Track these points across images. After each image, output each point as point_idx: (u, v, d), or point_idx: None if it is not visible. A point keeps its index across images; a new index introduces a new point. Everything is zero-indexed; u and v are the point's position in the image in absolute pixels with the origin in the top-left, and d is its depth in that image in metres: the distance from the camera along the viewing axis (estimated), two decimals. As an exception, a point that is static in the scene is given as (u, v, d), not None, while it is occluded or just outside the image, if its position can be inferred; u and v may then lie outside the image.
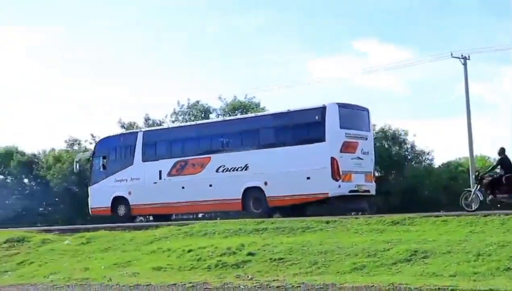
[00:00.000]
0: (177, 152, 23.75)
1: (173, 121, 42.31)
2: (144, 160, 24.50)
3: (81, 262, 15.66)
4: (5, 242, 18.74)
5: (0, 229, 21.64)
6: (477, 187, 16.98)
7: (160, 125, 41.99)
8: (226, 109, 42.03)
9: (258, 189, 21.47)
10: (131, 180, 24.60)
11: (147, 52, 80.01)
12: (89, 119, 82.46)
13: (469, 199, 16.80)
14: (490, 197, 16.64)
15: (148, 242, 16.85)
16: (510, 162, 16.78)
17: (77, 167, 28.98)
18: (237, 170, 21.96)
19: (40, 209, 45.91)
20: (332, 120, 20.56)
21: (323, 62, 76.10)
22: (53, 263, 15.92)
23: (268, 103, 56.81)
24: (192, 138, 23.81)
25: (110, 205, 25.02)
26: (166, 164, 23.70)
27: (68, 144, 46.41)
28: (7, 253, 17.59)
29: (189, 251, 15.02)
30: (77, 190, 41.21)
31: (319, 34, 78.70)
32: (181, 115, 42.69)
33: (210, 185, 22.35)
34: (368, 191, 21.31)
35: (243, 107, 41.86)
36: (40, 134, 73.99)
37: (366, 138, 21.66)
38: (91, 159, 26.79)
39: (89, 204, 26.19)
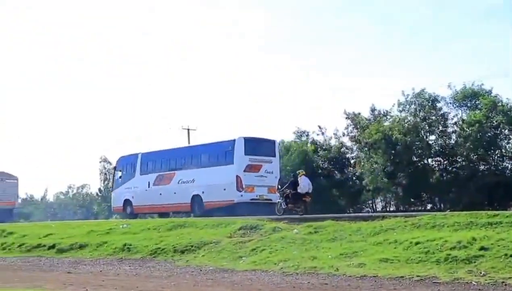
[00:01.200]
0: (158, 168, 33.26)
1: (400, 112, 41.50)
2: (141, 174, 34.09)
3: (309, 251, 16.00)
4: (239, 229, 19.87)
5: (236, 217, 23.01)
6: (281, 198, 24.47)
7: (386, 115, 41.82)
8: (456, 98, 40.00)
9: (199, 196, 30.07)
10: (134, 187, 34.23)
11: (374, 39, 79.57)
12: (317, 111, 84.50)
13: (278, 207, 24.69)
14: (286, 206, 23.99)
15: (374, 233, 16.71)
16: (297, 183, 23.58)
17: None
18: (188, 182, 30.96)
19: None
20: (238, 149, 29.30)
21: None
22: (283, 251, 16.46)
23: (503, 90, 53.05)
24: (167, 159, 33.06)
25: (122, 205, 34.74)
26: (152, 177, 33.23)
27: (296, 136, 47.95)
28: (241, 239, 18.59)
29: (417, 243, 14.60)
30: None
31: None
32: (407, 105, 41.56)
33: (175, 193, 31.37)
34: (270, 200, 28.42)
35: (474, 95, 39.55)
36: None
37: (271, 162, 30.13)
38: (113, 171, 38.21)
39: (112, 204, 36.86)
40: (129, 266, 17.52)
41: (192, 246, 18.80)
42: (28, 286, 13.21)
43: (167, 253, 18.81)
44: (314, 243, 16.78)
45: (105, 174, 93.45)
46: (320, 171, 44.24)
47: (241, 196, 28.61)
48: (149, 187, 33.16)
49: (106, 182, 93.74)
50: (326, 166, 45.52)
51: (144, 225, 23.97)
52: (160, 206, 32.47)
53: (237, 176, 28.62)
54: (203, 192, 29.81)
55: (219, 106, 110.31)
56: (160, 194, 32.16)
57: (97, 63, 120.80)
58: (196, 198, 30.14)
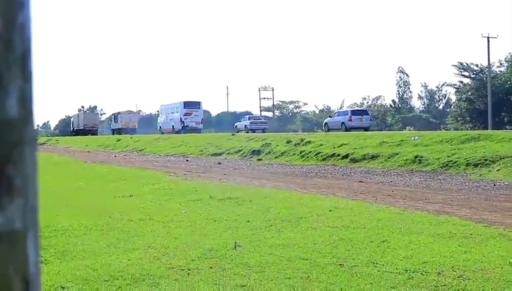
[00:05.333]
0: None
1: None
2: None
3: None
4: None
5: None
6: None
7: None
8: None
9: None
10: None
11: None
12: None
13: None
14: None
15: None
16: None
17: None
18: None
19: None
20: (181, 106, 54.71)
21: None
22: None
23: None
24: None
25: None
26: None
27: None
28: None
29: None
30: None
31: None
32: None
33: None
34: (197, 128, 53.91)
35: None
36: None
37: (197, 110, 55.16)
38: None
39: None
40: (419, 177, 17.49)
41: (486, 160, 18.02)
42: (323, 192, 13.96)
43: (459, 166, 18.32)
44: None
45: (401, 85, 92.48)
46: None
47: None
48: None
49: (401, 93, 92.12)
50: None
51: (436, 137, 23.53)
52: None
53: (180, 118, 53.99)
54: None
55: None
56: None
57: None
58: None
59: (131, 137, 48.87)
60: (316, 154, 24.97)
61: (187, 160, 28.54)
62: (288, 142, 28.37)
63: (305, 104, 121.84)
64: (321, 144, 26.51)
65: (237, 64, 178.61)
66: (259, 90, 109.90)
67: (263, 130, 50.39)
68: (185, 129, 53.84)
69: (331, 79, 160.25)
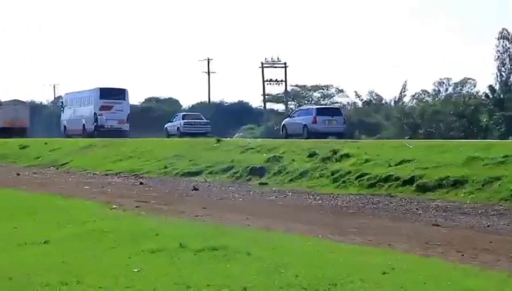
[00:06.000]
0: None
1: None
2: None
3: None
4: None
5: None
6: None
7: None
8: None
9: None
10: None
11: None
12: None
13: None
14: None
15: None
16: None
17: None
18: None
19: None
20: (95, 95, 41.19)
21: None
22: None
23: None
24: None
25: None
26: None
27: None
28: None
29: None
30: None
31: None
32: None
33: None
34: (120, 129, 40.28)
35: None
36: None
37: (121, 103, 41.27)
38: None
39: None
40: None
41: None
42: (371, 242, 9.17)
43: None
44: None
45: (505, 62, 55.99)
46: None
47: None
48: None
49: (506, 76, 56.13)
50: None
51: None
52: None
53: (94, 113, 40.99)
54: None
55: None
56: None
57: None
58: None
59: (46, 143, 33.45)
60: (359, 177, 17.14)
61: (141, 183, 20.34)
62: (311, 155, 19.77)
63: (340, 91, 75.42)
64: (367, 160, 18.26)
65: (224, 22, 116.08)
66: (262, 66, 67.99)
67: (205, 135, 37.70)
68: (99, 130, 39.05)
69: (382, 51, 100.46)
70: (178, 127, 40.66)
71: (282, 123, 36.46)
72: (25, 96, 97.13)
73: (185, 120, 41.10)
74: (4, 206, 13.41)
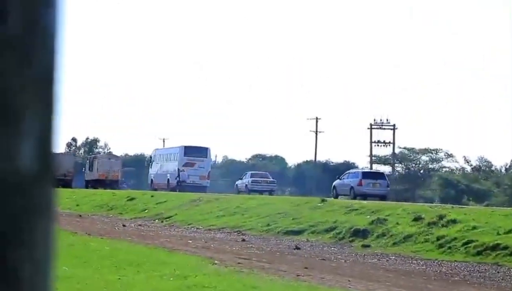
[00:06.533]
0: None
1: None
2: None
3: None
4: None
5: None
6: None
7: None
8: None
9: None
10: None
11: None
12: None
13: None
14: None
15: None
16: None
17: None
18: None
19: None
20: (180, 152, 44.91)
21: None
22: None
23: None
24: None
25: None
26: None
27: None
28: None
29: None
30: None
31: None
32: None
33: None
34: (201, 184, 43.07)
35: None
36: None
37: (203, 160, 45.01)
38: None
39: None
40: None
41: None
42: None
43: None
44: None
45: None
46: None
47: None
48: None
49: None
50: None
51: None
52: None
53: (178, 169, 44.47)
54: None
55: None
56: None
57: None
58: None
59: (152, 196, 35.19)
60: (466, 244, 16.63)
61: (244, 239, 20.54)
62: (416, 219, 19.71)
63: (449, 155, 75.71)
64: (474, 227, 17.88)
65: (334, 83, 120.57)
66: (371, 127, 70.29)
67: (270, 193, 42.10)
68: (181, 185, 42.57)
69: (495, 117, 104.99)
70: (246, 185, 43.65)
71: (333, 185, 38.15)
72: (136, 149, 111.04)
73: (253, 179, 44.33)
74: (110, 256, 13.05)
